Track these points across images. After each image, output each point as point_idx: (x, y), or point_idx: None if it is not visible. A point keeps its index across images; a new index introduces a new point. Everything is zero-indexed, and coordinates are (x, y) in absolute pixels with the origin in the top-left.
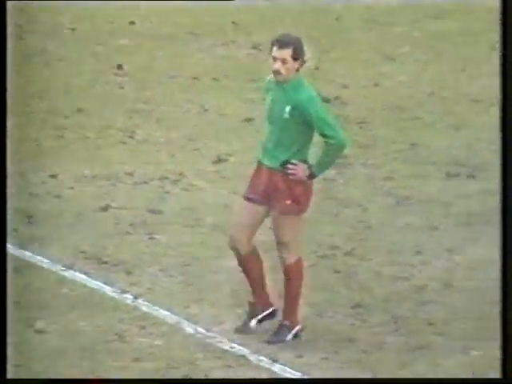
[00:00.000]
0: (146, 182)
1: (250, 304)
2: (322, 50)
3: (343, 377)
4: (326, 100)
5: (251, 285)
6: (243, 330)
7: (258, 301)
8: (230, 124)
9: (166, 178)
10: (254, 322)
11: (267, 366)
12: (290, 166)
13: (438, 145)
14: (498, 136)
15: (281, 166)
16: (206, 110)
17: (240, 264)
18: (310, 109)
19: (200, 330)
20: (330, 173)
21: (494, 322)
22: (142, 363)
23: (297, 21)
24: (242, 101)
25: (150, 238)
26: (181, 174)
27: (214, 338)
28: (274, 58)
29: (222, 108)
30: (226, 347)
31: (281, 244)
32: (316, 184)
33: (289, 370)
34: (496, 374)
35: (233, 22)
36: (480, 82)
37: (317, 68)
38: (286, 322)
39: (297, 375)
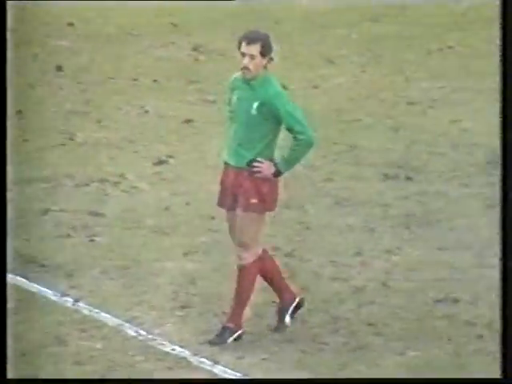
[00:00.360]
0: (86, 185)
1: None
2: None
3: (282, 377)
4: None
5: (272, 284)
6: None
7: (285, 297)
8: (170, 125)
9: (107, 180)
10: (288, 319)
11: (208, 368)
12: (255, 163)
13: (377, 147)
14: (434, 138)
15: (247, 165)
16: (146, 112)
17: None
18: (278, 104)
19: (141, 332)
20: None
21: (432, 322)
22: (83, 366)
23: (236, 23)
24: (182, 102)
25: (91, 241)
26: (121, 176)
27: (155, 340)
28: (243, 54)
29: (162, 109)
30: (167, 349)
31: (240, 243)
32: None
33: (229, 371)
34: (433, 374)
35: (172, 23)
36: (417, 84)
37: None
38: (230, 325)
39: (237, 376)
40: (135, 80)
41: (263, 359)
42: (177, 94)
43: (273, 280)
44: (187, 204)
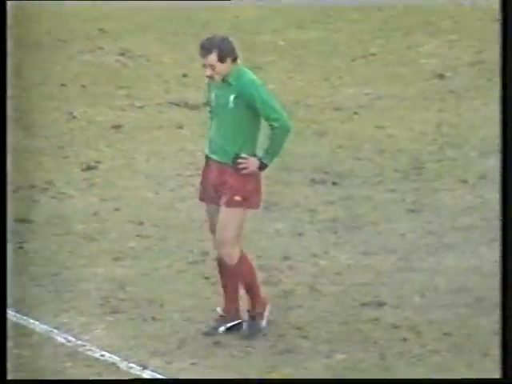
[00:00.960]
0: (14, 191)
1: (220, 315)
2: (189, 57)
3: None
4: (195, 107)
5: (224, 291)
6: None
7: (228, 308)
8: (98, 131)
9: (35, 186)
10: (222, 330)
11: (137, 373)
12: (240, 160)
13: (304, 152)
14: (360, 144)
15: (232, 161)
16: (74, 117)
17: (218, 266)
18: (253, 92)
19: (70, 338)
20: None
21: (358, 326)
22: (11, 374)
23: (164, 27)
24: (111, 108)
25: (19, 248)
26: (49, 183)
27: (84, 346)
28: (204, 65)
29: (90, 115)
30: (96, 355)
31: (221, 239)
32: (185, 191)
33: (159, 376)
34: (359, 376)
35: (99, 29)
36: (343, 91)
37: (185, 75)
38: (259, 310)
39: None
40: (63, 85)
41: (192, 364)
42: (105, 100)
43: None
44: (116, 210)
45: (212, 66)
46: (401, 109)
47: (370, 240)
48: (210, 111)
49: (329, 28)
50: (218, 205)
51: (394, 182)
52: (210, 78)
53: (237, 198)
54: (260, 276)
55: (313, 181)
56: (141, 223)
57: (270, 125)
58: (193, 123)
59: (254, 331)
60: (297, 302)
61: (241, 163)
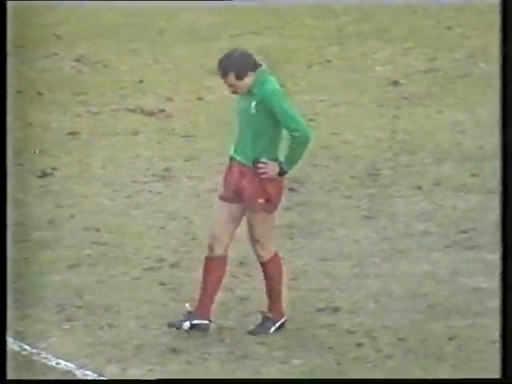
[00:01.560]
0: None
1: (189, 311)
2: (145, 63)
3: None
4: (150, 113)
5: (204, 288)
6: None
7: (200, 306)
8: (54, 138)
9: None
10: (186, 325)
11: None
12: (260, 164)
13: None
14: (316, 150)
15: (253, 165)
16: (30, 124)
17: (205, 264)
18: (274, 101)
19: (25, 347)
20: (156, 186)
21: (313, 331)
22: None
23: (119, 33)
24: (67, 114)
25: None
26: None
27: (40, 354)
28: (225, 84)
29: (46, 122)
30: (52, 363)
31: (255, 242)
32: (141, 197)
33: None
34: (315, 381)
35: (55, 35)
36: (299, 97)
37: (141, 81)
38: (269, 315)
39: None
40: (19, 92)
41: (149, 370)
42: (61, 106)
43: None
44: (72, 216)
45: (231, 85)
46: (356, 115)
47: (325, 246)
48: (237, 113)
49: (285, 34)
50: (236, 204)
51: (349, 188)
52: (235, 93)
53: (260, 200)
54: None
55: None
56: (97, 230)
57: (290, 134)
58: (149, 129)
59: (258, 331)
60: (253, 307)
61: (261, 167)
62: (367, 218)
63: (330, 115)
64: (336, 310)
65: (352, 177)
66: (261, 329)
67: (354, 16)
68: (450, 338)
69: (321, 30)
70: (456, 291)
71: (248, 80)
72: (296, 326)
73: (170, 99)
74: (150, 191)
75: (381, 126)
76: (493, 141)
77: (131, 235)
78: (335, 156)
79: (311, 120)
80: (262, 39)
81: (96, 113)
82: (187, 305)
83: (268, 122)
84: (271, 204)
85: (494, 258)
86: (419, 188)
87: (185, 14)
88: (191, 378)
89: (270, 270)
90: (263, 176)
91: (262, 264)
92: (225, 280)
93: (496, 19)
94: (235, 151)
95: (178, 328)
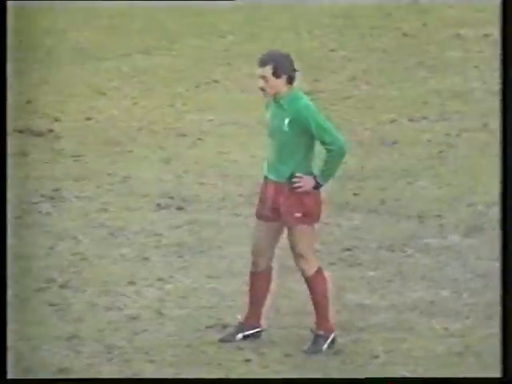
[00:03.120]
0: None
1: (240, 322)
2: (32, 83)
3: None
4: (39, 133)
5: (252, 302)
6: (228, 339)
7: (250, 317)
8: None
9: None
10: (240, 336)
11: None
12: (295, 179)
13: (149, 177)
14: (204, 169)
15: (289, 179)
16: None
17: (251, 279)
18: (309, 117)
19: None
20: (45, 206)
21: (202, 348)
22: None
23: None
24: None
25: None
26: None
27: None
28: (259, 76)
29: None
30: None
31: (298, 256)
32: (30, 218)
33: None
34: None
35: None
36: (187, 117)
37: (29, 101)
38: (321, 332)
39: None
40: None
41: None
42: None
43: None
44: None
45: (265, 78)
46: (243, 135)
47: (215, 263)
48: (268, 129)
49: (172, 54)
50: (275, 221)
51: (237, 206)
52: (262, 89)
53: (297, 214)
54: (106, 301)
55: (158, 206)
56: None
57: (326, 148)
58: (38, 150)
59: (312, 351)
60: (143, 326)
61: (296, 181)
62: None
63: (217, 135)
64: (225, 326)
65: (240, 195)
66: (315, 347)
67: (241, 36)
68: (334, 353)
69: (208, 50)
70: (340, 307)
71: (281, 82)
72: (185, 343)
73: (57, 119)
74: (39, 211)
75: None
76: (374, 161)
77: (20, 256)
78: (223, 175)
79: (199, 139)
80: (150, 59)
81: None
82: (239, 316)
83: (301, 138)
84: (309, 217)
85: (377, 275)
86: None
87: (73, 33)
88: (191, 378)
89: (316, 285)
90: (299, 190)
91: (307, 279)
92: (113, 299)
93: (378, 43)
94: (269, 171)
95: (231, 341)
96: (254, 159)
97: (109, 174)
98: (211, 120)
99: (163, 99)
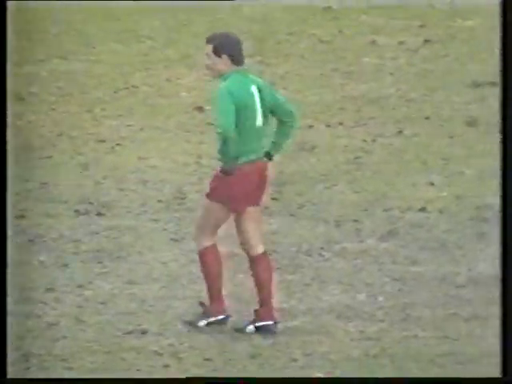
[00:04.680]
0: None
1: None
2: None
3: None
4: None
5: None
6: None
7: (264, 310)
8: None
9: None
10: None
11: None
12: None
13: (68, 183)
14: (124, 175)
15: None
16: None
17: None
18: (212, 103)
19: None
20: None
21: (121, 354)
22: None
23: None
24: None
25: None
26: None
27: None
28: (204, 53)
29: None
30: None
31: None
32: None
33: None
34: None
35: None
36: (106, 122)
37: None
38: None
39: None
40: None
41: None
42: None
43: (259, 288)
44: None
45: (208, 55)
46: (163, 140)
47: (134, 269)
48: None
49: (91, 59)
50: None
51: (157, 211)
52: (207, 68)
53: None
54: (24, 308)
55: (77, 212)
56: None
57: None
58: None
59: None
60: (61, 333)
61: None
62: (175, 240)
63: (136, 140)
64: (143, 332)
65: (159, 201)
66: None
67: (160, 41)
68: (252, 357)
69: (127, 56)
70: None
71: (222, 62)
72: (104, 349)
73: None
74: None
75: (187, 150)
76: (293, 166)
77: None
78: (143, 180)
79: (118, 145)
80: (68, 64)
81: None
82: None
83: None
84: (211, 195)
85: (295, 278)
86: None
87: None
88: (191, 378)
89: (204, 264)
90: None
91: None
92: (32, 306)
93: (294, 49)
94: None
95: (243, 332)
96: (174, 165)
97: (27, 180)
98: (130, 125)
99: (82, 104)
